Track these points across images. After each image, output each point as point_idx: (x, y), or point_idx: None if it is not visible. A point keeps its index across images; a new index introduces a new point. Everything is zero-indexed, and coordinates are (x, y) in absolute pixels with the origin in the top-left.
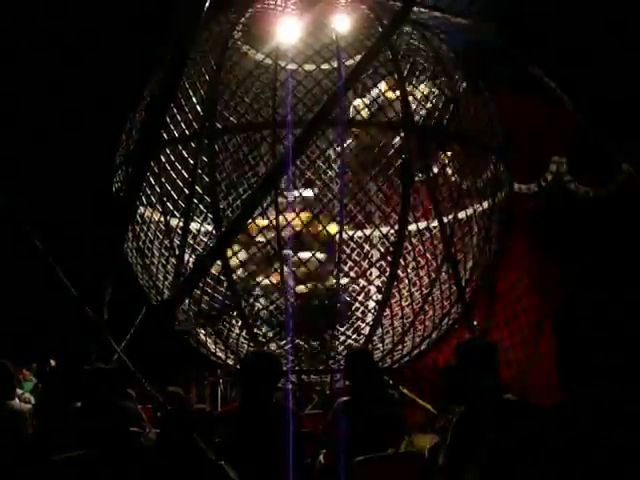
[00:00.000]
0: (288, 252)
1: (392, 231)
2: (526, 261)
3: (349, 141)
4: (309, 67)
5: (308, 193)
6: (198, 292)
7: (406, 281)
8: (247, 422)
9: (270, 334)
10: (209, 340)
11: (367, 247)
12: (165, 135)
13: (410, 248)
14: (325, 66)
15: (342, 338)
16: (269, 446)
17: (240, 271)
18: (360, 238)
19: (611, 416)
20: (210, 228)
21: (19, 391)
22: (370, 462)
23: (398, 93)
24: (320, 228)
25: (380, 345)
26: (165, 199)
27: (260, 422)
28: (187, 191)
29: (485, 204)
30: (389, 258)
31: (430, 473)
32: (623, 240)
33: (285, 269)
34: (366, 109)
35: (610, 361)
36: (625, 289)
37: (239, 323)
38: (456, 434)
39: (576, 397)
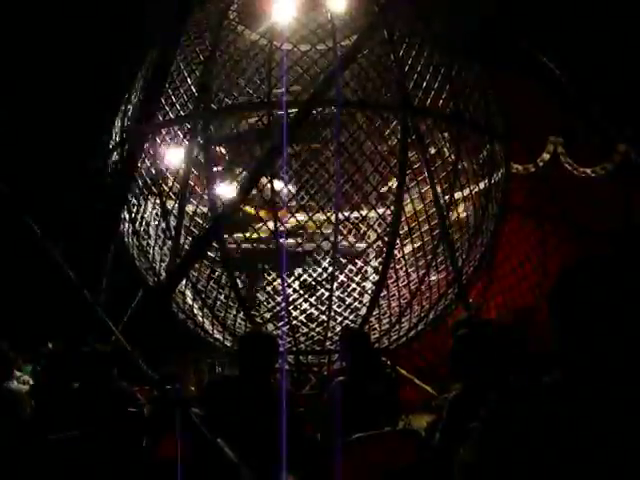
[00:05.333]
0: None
1: (388, 212)
2: (524, 242)
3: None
4: (304, 47)
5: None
6: (194, 273)
7: (403, 262)
8: (244, 402)
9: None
10: (206, 321)
11: (364, 228)
12: (160, 116)
13: (407, 229)
14: (321, 46)
15: (339, 319)
16: (266, 426)
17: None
18: (357, 219)
19: (608, 393)
20: (206, 210)
21: (18, 373)
22: (366, 440)
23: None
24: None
25: (377, 326)
26: (161, 181)
27: (257, 402)
28: (183, 173)
29: (482, 185)
30: (386, 239)
31: (426, 451)
32: (621, 219)
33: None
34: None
35: (609, 342)
36: (624, 269)
37: (236, 304)
38: (452, 412)
39: (571, 374)
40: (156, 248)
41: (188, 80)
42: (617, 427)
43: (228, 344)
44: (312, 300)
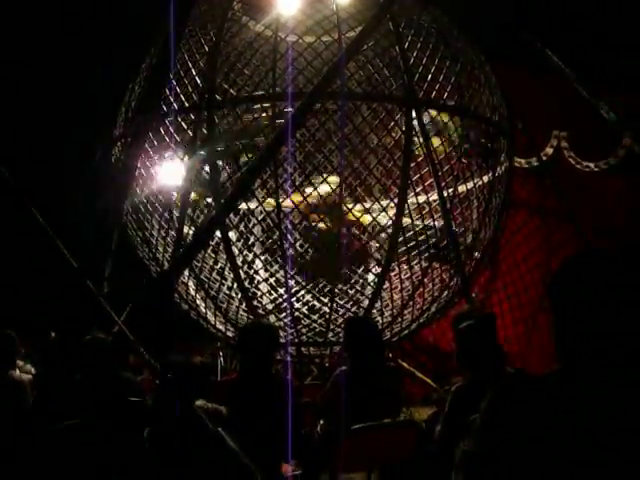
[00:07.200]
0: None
1: (392, 204)
2: (527, 237)
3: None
4: (310, 39)
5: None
6: (197, 263)
7: (405, 255)
8: (246, 392)
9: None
10: (209, 312)
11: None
12: (165, 107)
13: (410, 221)
14: (325, 38)
15: (342, 311)
16: (268, 415)
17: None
18: (360, 211)
19: (607, 385)
20: (209, 200)
21: (20, 362)
22: (367, 431)
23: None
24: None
25: (379, 318)
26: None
27: (259, 392)
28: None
29: (485, 178)
30: (389, 231)
31: (427, 442)
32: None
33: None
34: None
35: (607, 334)
36: (623, 263)
37: (238, 295)
38: (453, 405)
39: (570, 367)
40: (159, 238)
41: (193, 71)
42: (616, 417)
43: (230, 335)
44: (314, 292)
